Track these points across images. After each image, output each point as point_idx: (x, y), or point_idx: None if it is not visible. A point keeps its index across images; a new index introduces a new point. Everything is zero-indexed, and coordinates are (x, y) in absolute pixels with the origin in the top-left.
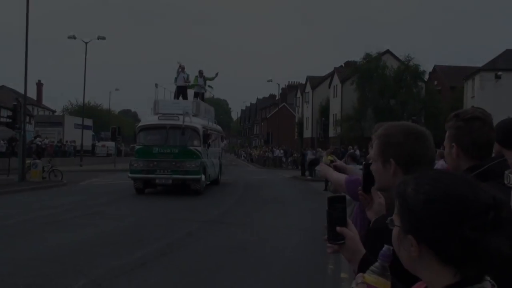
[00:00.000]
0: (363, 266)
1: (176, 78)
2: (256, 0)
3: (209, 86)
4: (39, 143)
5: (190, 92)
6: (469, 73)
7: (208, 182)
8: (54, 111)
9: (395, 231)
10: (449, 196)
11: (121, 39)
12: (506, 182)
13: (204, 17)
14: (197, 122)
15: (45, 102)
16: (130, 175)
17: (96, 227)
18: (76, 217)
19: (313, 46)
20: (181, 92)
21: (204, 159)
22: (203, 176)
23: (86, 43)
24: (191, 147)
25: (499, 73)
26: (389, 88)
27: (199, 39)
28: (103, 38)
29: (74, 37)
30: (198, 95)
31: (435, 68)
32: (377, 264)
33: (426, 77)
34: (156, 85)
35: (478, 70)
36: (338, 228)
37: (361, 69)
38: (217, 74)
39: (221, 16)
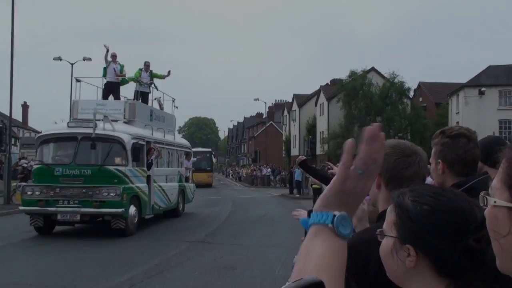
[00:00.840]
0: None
1: (105, 69)
2: (240, 19)
3: (153, 86)
4: (25, 165)
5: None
6: (453, 89)
7: (151, 215)
8: (40, 133)
9: (388, 242)
10: (453, 208)
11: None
12: (482, 204)
13: (192, 37)
14: (123, 131)
15: (30, 123)
16: (21, 207)
17: (85, 249)
18: (61, 240)
19: (299, 65)
20: (111, 89)
21: (135, 183)
22: (131, 209)
23: (72, 64)
24: (110, 167)
25: (483, 89)
26: (375, 105)
27: (187, 59)
28: (89, 59)
29: (60, 59)
30: (140, 95)
31: (419, 85)
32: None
33: (411, 94)
34: (77, 80)
35: (462, 87)
36: None
37: (346, 87)
38: (169, 72)
39: (208, 35)
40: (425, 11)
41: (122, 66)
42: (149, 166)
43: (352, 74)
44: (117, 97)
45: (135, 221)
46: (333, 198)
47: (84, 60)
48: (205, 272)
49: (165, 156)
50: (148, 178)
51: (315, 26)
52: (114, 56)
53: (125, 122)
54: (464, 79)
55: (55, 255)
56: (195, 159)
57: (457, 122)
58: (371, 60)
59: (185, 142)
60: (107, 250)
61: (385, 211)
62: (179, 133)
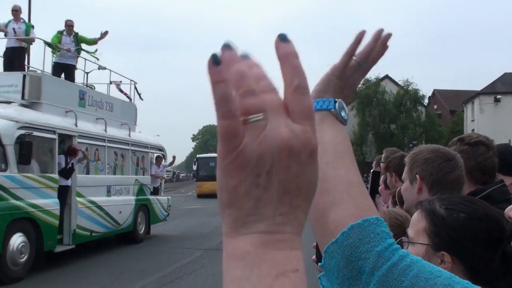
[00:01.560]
0: None
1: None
2: (256, 29)
3: (92, 55)
4: None
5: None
6: (468, 97)
7: (71, 246)
8: None
9: (418, 250)
10: (488, 216)
11: (120, 69)
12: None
13: (203, 44)
14: (3, 116)
15: None
16: None
17: (98, 257)
18: (77, 249)
19: (312, 74)
20: (11, 58)
21: (26, 199)
22: (15, 240)
23: (87, 73)
24: None
25: (498, 96)
26: (389, 112)
27: (196, 67)
28: (104, 68)
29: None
30: (64, 68)
31: (434, 93)
32: None
33: (426, 101)
34: None
35: (477, 94)
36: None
37: (360, 95)
38: (104, 33)
39: (218, 43)
40: (439, 18)
41: (28, 26)
42: (68, 173)
43: (366, 81)
44: (20, 68)
45: (22, 261)
46: (332, 84)
47: (99, 69)
48: (219, 280)
49: (107, 158)
50: (64, 191)
51: (329, 34)
52: (16, 11)
53: (23, 105)
54: (479, 87)
55: (65, 263)
56: (167, 163)
57: (473, 130)
58: (385, 68)
59: (154, 141)
60: (122, 257)
61: None
62: (193, 141)
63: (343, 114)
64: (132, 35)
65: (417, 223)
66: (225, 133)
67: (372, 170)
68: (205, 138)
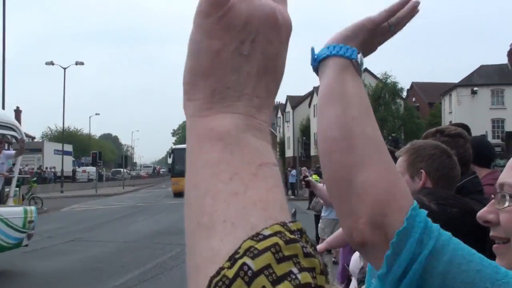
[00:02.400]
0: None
1: None
2: None
3: None
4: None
5: None
6: (445, 89)
7: None
8: (33, 138)
9: None
10: (473, 210)
11: (100, 63)
12: (499, 205)
13: (183, 40)
14: None
15: (24, 128)
16: None
17: (78, 254)
18: (57, 245)
19: (291, 66)
20: None
21: None
22: None
23: (65, 68)
24: None
25: (475, 88)
26: None
27: (177, 62)
28: (82, 63)
29: (52, 63)
30: None
31: (412, 85)
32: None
33: (404, 94)
34: None
35: (454, 86)
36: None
37: None
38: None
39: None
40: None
41: None
42: None
43: None
44: None
45: None
46: (361, 35)
47: (76, 64)
48: None
49: None
50: None
51: (306, 27)
52: None
53: None
54: (456, 79)
55: (51, 260)
56: (12, 152)
57: (450, 122)
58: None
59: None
60: (102, 254)
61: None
62: (173, 135)
63: (362, 69)
64: (115, 27)
65: None
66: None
67: None
68: (185, 133)
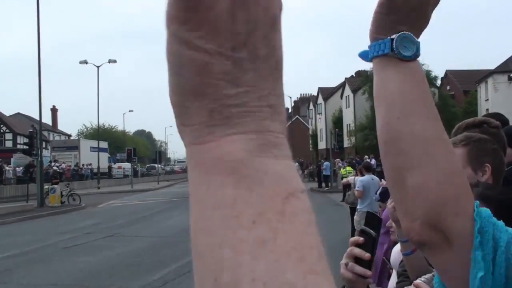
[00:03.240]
0: None
1: None
2: None
3: None
4: (56, 167)
5: None
6: (481, 76)
7: None
8: (69, 136)
9: None
10: None
11: (132, 61)
12: None
13: None
14: None
15: (60, 127)
16: None
17: (116, 249)
18: (96, 240)
19: (323, 57)
20: None
21: None
22: None
23: (98, 67)
24: None
25: None
26: None
27: None
28: (114, 61)
29: (85, 62)
30: None
31: (446, 73)
32: (430, 274)
33: (438, 82)
34: None
35: (490, 73)
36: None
37: (371, 78)
38: None
39: None
40: None
41: None
42: None
43: None
44: None
45: None
46: (382, 23)
47: (109, 62)
48: None
49: None
50: None
51: (339, 18)
52: None
53: None
54: (492, 66)
55: (89, 255)
56: None
57: (487, 109)
58: None
59: None
60: (140, 249)
61: None
62: None
63: (404, 52)
64: (145, 27)
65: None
66: None
67: None
68: None
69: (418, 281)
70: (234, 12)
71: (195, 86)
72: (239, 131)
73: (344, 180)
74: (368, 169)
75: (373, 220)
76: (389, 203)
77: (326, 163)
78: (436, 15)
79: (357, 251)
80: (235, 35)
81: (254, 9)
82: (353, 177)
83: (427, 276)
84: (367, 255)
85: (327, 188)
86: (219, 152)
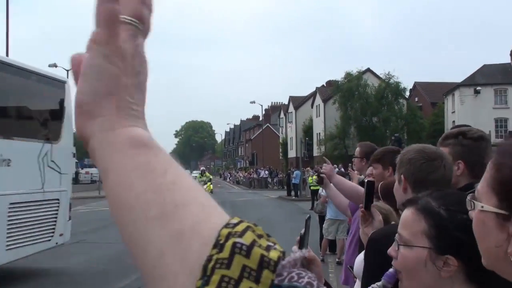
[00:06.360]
0: None
1: None
2: (236, 23)
3: None
4: None
5: None
6: (448, 89)
7: None
8: None
9: (418, 253)
10: None
11: None
12: (469, 207)
13: (185, 42)
14: None
15: None
16: None
17: (81, 256)
18: (62, 247)
19: (294, 67)
20: None
21: None
22: None
23: (67, 71)
24: None
25: (478, 88)
26: (371, 106)
27: (179, 64)
28: None
29: (55, 65)
30: None
31: (415, 85)
32: (380, 283)
33: (407, 94)
34: None
35: (457, 86)
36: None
37: (342, 88)
38: None
39: (204, 39)
40: (419, 12)
41: None
42: None
43: (348, 75)
44: None
45: None
46: None
47: None
48: None
49: None
50: None
51: (310, 29)
52: None
53: None
54: (459, 79)
55: (54, 262)
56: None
57: (453, 122)
58: (366, 61)
59: None
60: (106, 256)
61: None
62: (175, 137)
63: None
64: None
65: (413, 224)
66: (107, 16)
67: (366, 181)
68: (187, 134)
69: None
70: (134, 54)
71: (108, 89)
72: (138, 125)
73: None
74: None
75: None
76: (360, 207)
77: (297, 172)
78: (407, 29)
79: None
80: (133, 66)
81: (142, 59)
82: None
83: (377, 284)
84: (302, 231)
85: (295, 197)
86: (131, 134)
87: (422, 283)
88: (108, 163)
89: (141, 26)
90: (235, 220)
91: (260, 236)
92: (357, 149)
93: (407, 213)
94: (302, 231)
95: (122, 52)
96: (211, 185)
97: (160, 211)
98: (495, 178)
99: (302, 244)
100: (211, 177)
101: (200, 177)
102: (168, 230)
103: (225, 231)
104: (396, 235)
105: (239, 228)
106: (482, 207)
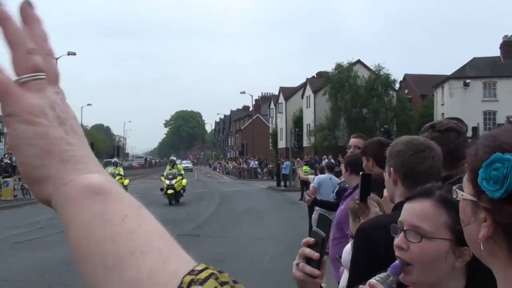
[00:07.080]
0: None
1: None
2: (227, 14)
3: None
4: (9, 161)
5: None
6: (438, 81)
7: None
8: None
9: (439, 245)
10: None
11: (92, 54)
12: (454, 196)
13: (176, 32)
14: None
15: None
16: None
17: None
18: (50, 235)
19: (285, 58)
20: None
21: None
22: None
23: (57, 59)
24: None
25: (467, 80)
26: (360, 97)
27: (170, 54)
28: (74, 53)
29: None
30: None
31: (405, 77)
32: (384, 274)
33: (397, 86)
34: None
35: (447, 78)
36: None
37: (332, 79)
38: None
39: (194, 30)
40: (410, 4)
41: None
42: None
43: (338, 66)
44: None
45: None
46: None
47: (68, 55)
48: None
49: None
50: None
51: (301, 20)
52: None
53: None
54: (449, 71)
55: (43, 251)
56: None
57: (442, 114)
58: (357, 53)
59: None
60: None
61: (401, 202)
62: (165, 126)
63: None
64: (107, 20)
65: (435, 216)
66: (1, 89)
67: (361, 173)
68: (177, 124)
69: (372, 280)
70: (54, 106)
71: (43, 149)
72: (89, 171)
73: (304, 176)
74: (331, 169)
75: (324, 221)
76: (356, 199)
77: (287, 163)
78: (398, 21)
79: (308, 251)
80: (56, 116)
81: (62, 103)
82: (313, 176)
83: (382, 275)
84: (316, 255)
85: (285, 187)
86: (83, 183)
87: (436, 276)
88: (67, 217)
89: (43, 75)
90: (200, 267)
91: (223, 284)
92: (354, 139)
93: (425, 205)
94: (322, 232)
95: (39, 109)
96: (127, 180)
97: (117, 260)
98: (469, 168)
99: (322, 248)
100: (182, 172)
101: (170, 169)
102: (126, 279)
103: (188, 278)
104: (409, 226)
105: (202, 275)
106: (462, 195)
